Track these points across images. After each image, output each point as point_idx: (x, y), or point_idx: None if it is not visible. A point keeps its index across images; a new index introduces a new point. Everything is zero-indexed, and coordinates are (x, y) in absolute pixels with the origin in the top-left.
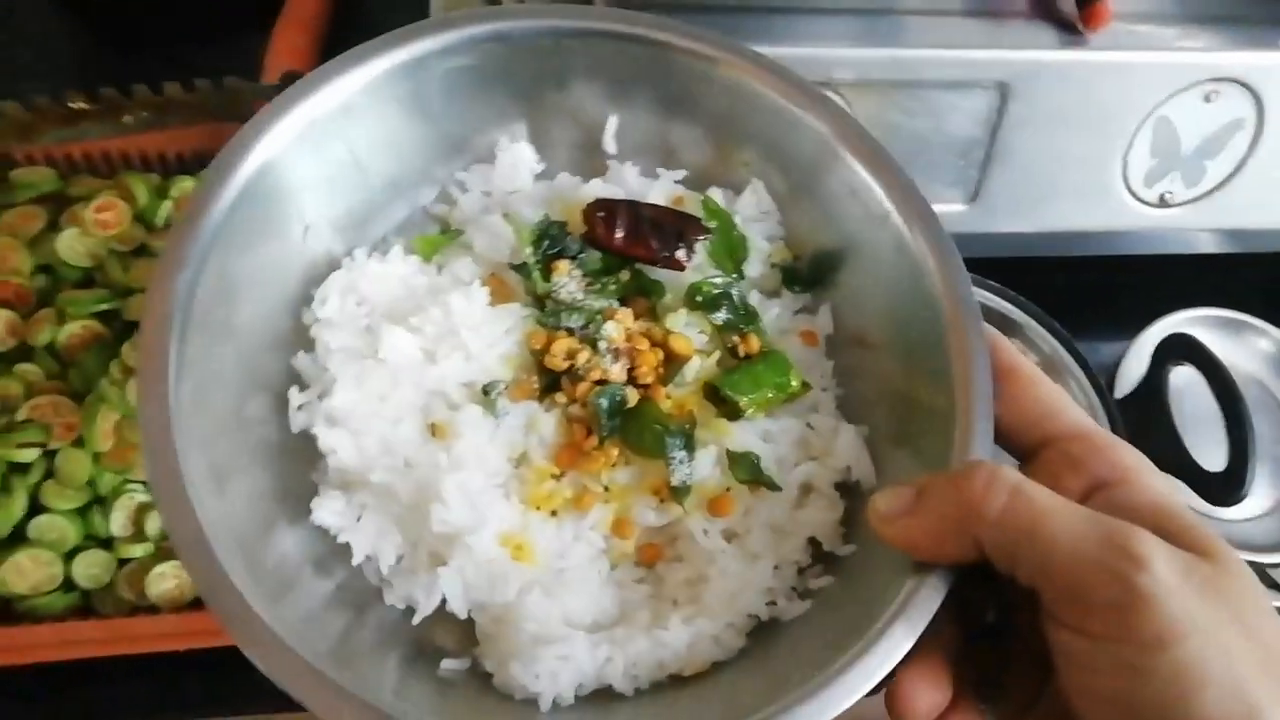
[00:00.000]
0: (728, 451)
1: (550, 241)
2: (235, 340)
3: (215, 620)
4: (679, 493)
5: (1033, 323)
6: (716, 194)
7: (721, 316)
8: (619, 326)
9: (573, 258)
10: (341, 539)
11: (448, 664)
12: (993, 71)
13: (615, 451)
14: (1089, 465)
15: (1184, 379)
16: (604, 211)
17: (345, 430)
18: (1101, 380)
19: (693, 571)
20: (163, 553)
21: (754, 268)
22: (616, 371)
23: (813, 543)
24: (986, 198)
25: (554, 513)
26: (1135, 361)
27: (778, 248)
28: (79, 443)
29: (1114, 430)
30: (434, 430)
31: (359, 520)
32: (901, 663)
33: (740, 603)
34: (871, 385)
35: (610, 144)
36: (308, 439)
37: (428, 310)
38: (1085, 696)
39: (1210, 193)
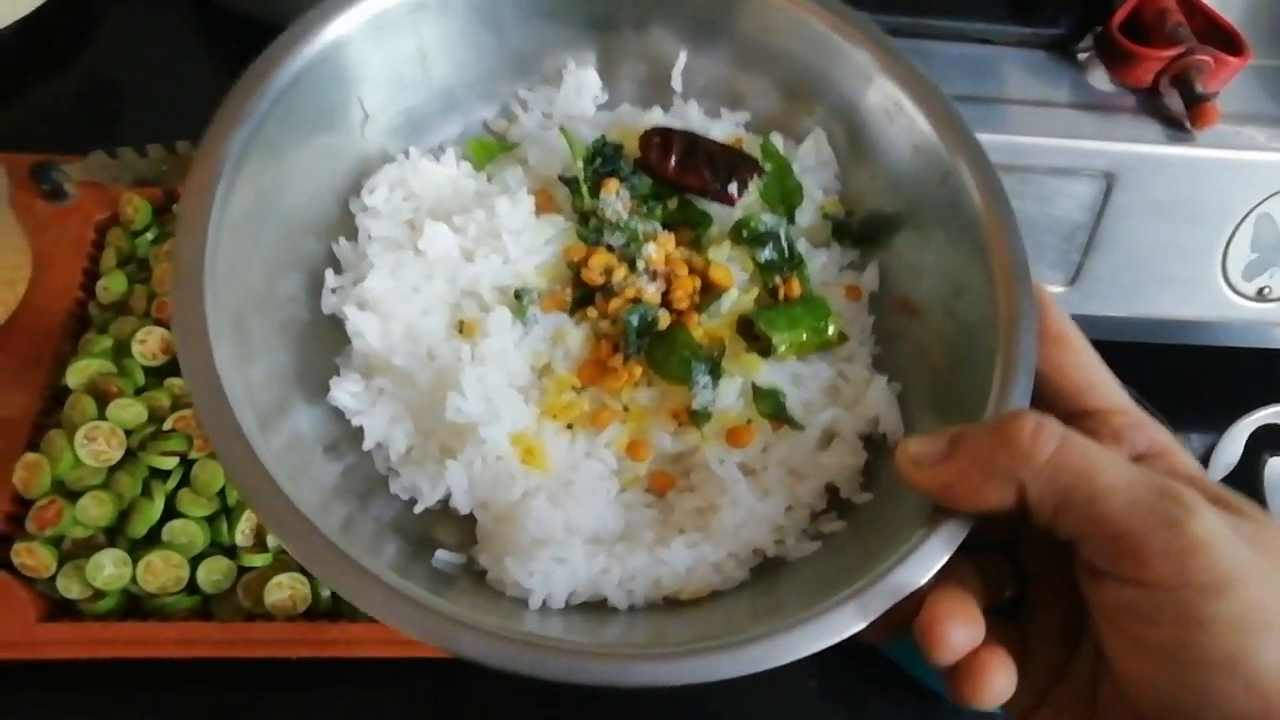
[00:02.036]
0: (753, 385)
1: (604, 160)
2: (279, 215)
3: (237, 489)
4: (698, 418)
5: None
6: (777, 140)
7: (766, 255)
8: (660, 249)
9: (623, 179)
10: (355, 422)
11: (442, 554)
12: (1100, 161)
13: (639, 370)
14: (1130, 438)
15: (1278, 471)
16: (660, 138)
17: (374, 314)
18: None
19: (704, 501)
20: (280, 564)
21: (805, 216)
22: (651, 292)
23: (830, 490)
24: (1086, 281)
25: (569, 426)
26: (1228, 449)
27: (832, 199)
28: (215, 454)
29: None
30: (462, 328)
31: (374, 405)
32: (931, 597)
33: (746, 533)
34: (910, 351)
35: (677, 81)
36: (334, 324)
37: (473, 211)
38: (1137, 653)
39: None
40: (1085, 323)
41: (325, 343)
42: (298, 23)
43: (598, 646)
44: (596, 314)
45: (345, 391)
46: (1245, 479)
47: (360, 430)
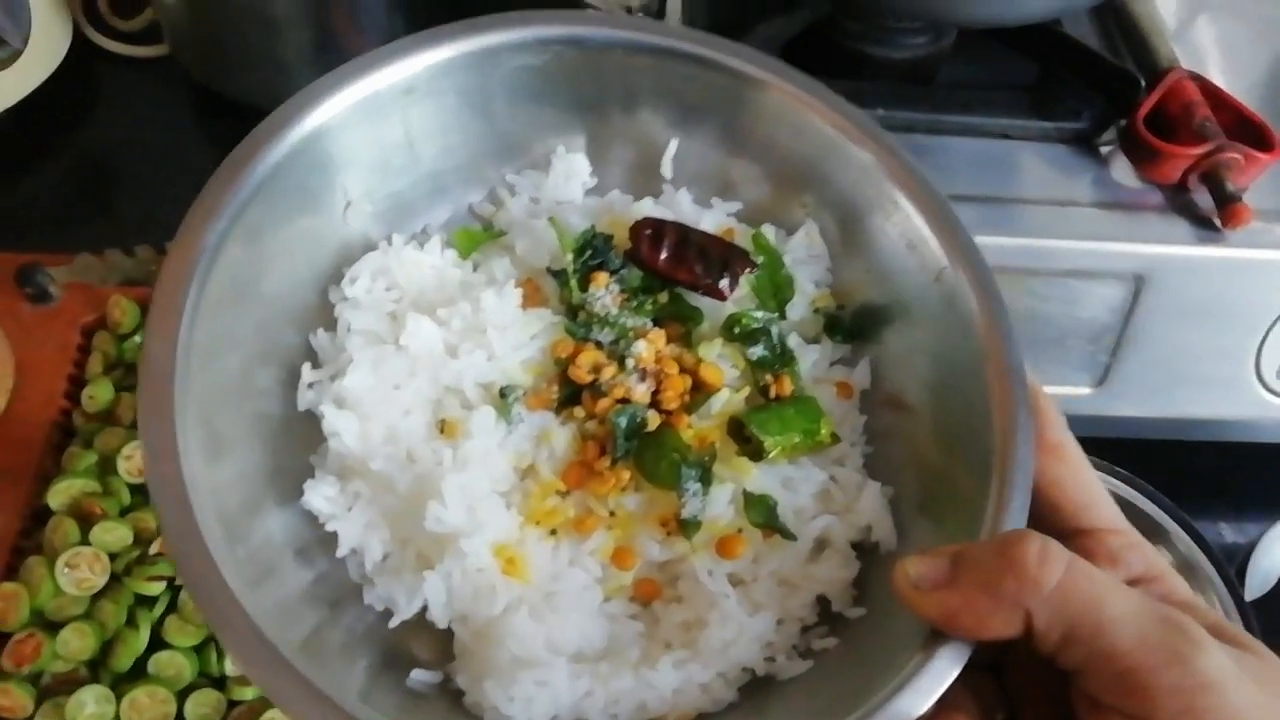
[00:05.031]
0: (744, 492)
1: (593, 252)
2: (257, 305)
3: (193, 599)
4: (688, 527)
5: (1168, 521)
6: (769, 231)
7: (758, 352)
8: (650, 347)
9: (613, 272)
10: (330, 527)
11: (418, 674)
12: (1128, 264)
13: (627, 475)
14: (1126, 560)
15: None
16: (651, 230)
17: (353, 414)
18: (1234, 578)
19: (691, 614)
20: None
21: (797, 310)
22: (641, 392)
23: (820, 601)
24: (1114, 383)
25: (553, 532)
26: (1267, 557)
27: (823, 293)
28: (177, 572)
29: (1250, 630)
30: (443, 427)
31: (350, 510)
32: None
33: (736, 653)
34: (902, 449)
35: (667, 168)
36: (310, 420)
37: (457, 304)
38: None
39: None
40: (1112, 424)
41: (300, 439)
42: (280, 109)
43: None
44: (584, 413)
45: (319, 495)
46: None
47: (334, 535)
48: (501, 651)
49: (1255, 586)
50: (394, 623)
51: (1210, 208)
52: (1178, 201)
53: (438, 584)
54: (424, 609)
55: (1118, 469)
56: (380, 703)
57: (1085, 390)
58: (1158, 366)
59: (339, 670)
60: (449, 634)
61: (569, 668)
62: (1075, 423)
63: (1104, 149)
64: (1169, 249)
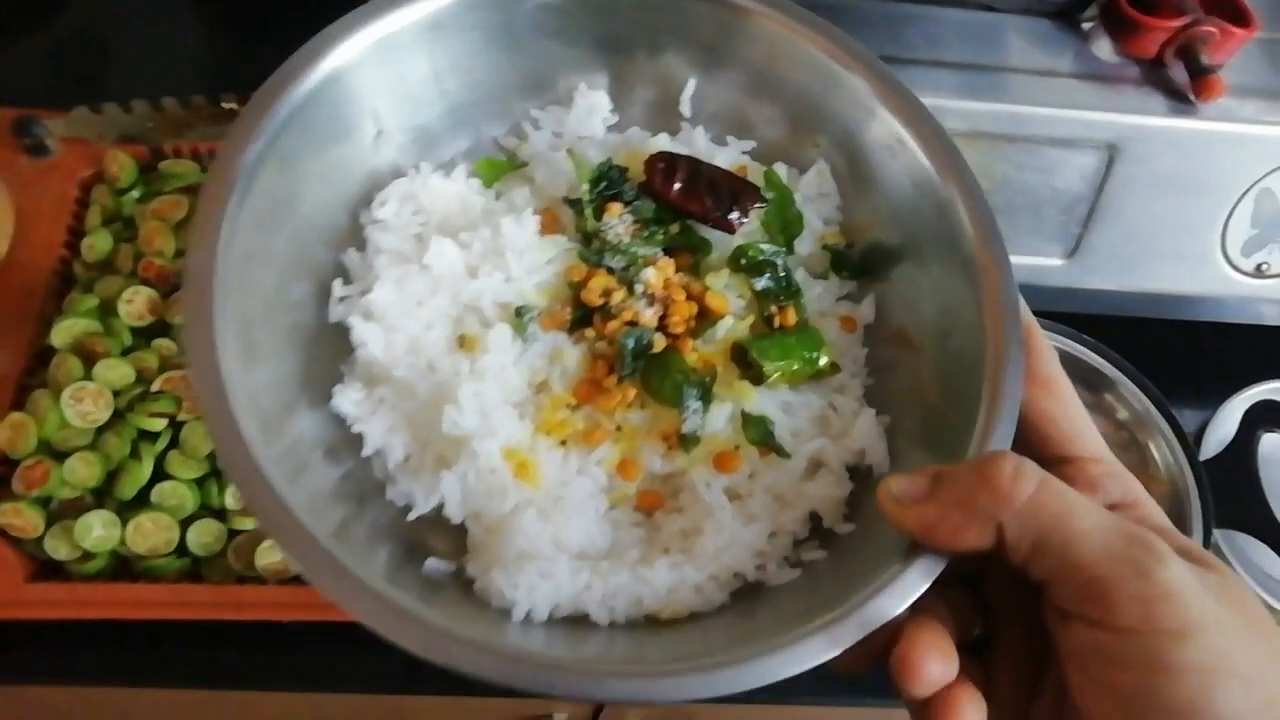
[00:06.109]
0: (743, 412)
1: (608, 183)
2: (291, 224)
3: (238, 493)
4: (687, 441)
5: (1125, 380)
6: (781, 169)
7: (763, 283)
8: (659, 274)
9: (627, 203)
10: (356, 428)
11: (433, 563)
12: (1103, 133)
13: (633, 392)
14: (1105, 486)
15: (1272, 446)
16: (665, 163)
17: (379, 325)
18: (1187, 437)
19: (690, 524)
20: None
21: (805, 246)
22: (648, 316)
23: (813, 518)
24: (1085, 254)
25: (563, 443)
26: (1223, 425)
27: (833, 230)
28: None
29: (1200, 490)
30: (463, 342)
31: (375, 414)
32: (908, 628)
33: (728, 558)
34: (902, 384)
35: (686, 106)
36: (340, 331)
37: (479, 228)
38: (1101, 695)
39: None
40: (1082, 297)
41: (331, 348)
42: (310, 43)
43: (577, 663)
44: (594, 334)
45: (347, 399)
46: (1239, 454)
47: (360, 436)
48: (510, 545)
49: (1209, 449)
50: (412, 516)
51: (1185, 82)
52: (1154, 75)
53: (453, 483)
54: (441, 505)
55: (1084, 336)
56: (401, 587)
57: (1057, 261)
58: (1127, 238)
59: (364, 559)
60: (463, 529)
61: (571, 563)
62: (1046, 295)
63: (1085, 25)
64: (1143, 119)
